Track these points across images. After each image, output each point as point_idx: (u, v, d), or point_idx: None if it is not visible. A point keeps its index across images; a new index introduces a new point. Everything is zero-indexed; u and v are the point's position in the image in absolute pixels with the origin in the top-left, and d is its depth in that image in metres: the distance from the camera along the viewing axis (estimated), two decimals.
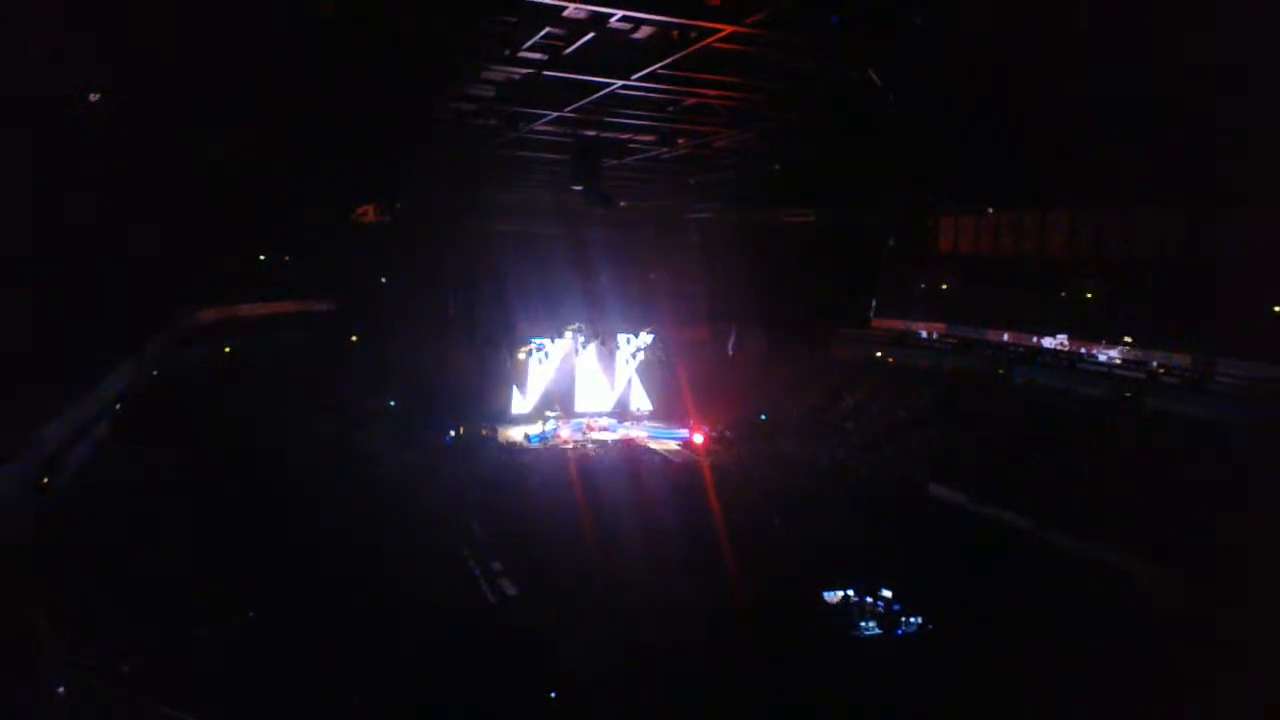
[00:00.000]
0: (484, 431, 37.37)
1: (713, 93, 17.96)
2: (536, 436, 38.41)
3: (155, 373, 29.93)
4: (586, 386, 44.04)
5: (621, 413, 43.66)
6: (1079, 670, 16.58)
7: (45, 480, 18.96)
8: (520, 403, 42.02)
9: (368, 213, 41.85)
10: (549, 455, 36.09)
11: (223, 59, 15.65)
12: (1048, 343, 34.62)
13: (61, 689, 11.92)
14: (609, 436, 39.82)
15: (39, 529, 17.80)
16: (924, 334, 40.46)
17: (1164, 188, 26.31)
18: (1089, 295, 34.48)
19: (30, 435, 18.85)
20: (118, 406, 25.61)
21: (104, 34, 14.05)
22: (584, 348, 43.40)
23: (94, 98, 16.76)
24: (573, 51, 14.91)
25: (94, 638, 14.62)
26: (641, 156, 25.81)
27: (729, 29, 13.29)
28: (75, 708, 11.71)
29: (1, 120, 16.06)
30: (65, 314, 22.75)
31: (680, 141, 23.40)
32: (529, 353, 41.99)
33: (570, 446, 37.81)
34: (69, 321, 22.72)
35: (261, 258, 40.42)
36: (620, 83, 16.75)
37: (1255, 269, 26.12)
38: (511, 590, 20.66)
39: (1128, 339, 31.54)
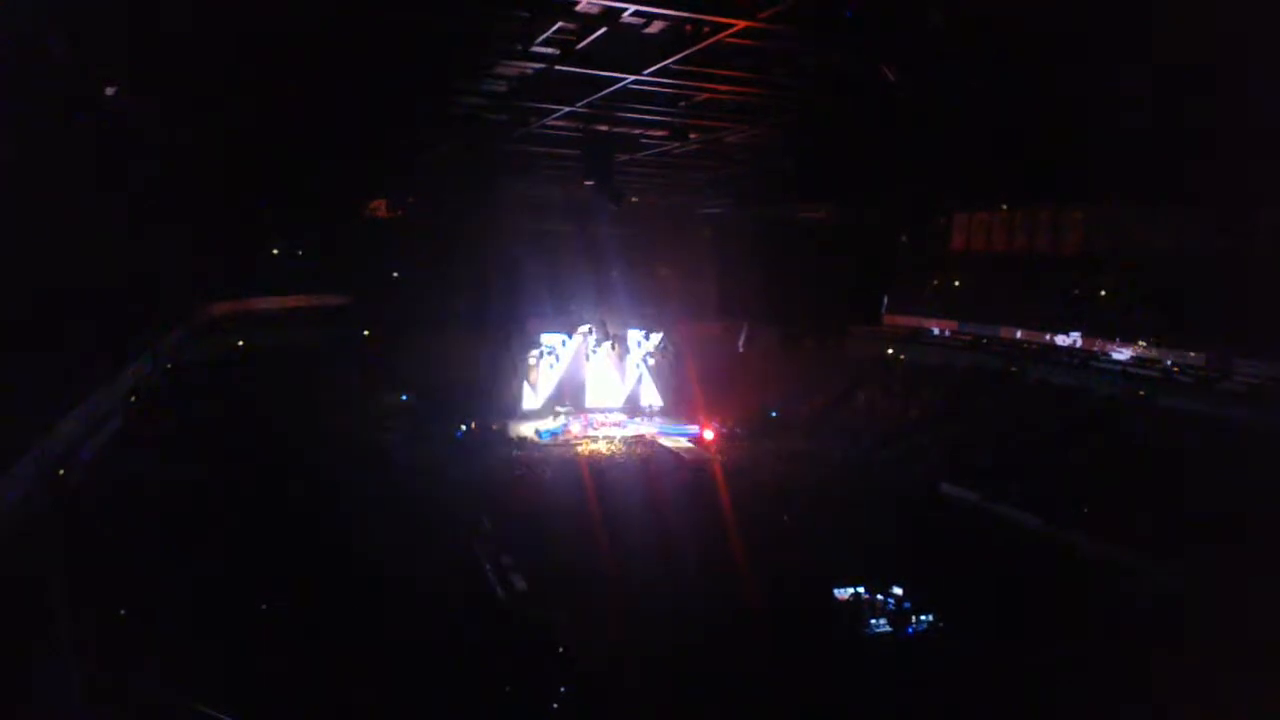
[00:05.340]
0: (494, 427, 37.47)
1: (725, 88, 17.89)
2: (547, 432, 38.47)
3: (169, 366, 30.14)
4: (597, 382, 43.99)
5: (632, 408, 43.61)
6: (1089, 669, 16.50)
7: (60, 473, 19.10)
8: (531, 398, 42.06)
9: (380, 207, 42.16)
10: (559, 451, 36.16)
11: (236, 53, 15.69)
12: (1061, 340, 34.39)
13: (75, 683, 12.01)
14: (619, 432, 39.82)
15: (53, 522, 17.92)
16: (936, 331, 40.27)
17: (1179, 186, 26.06)
18: (1102, 293, 34.24)
19: (46, 428, 18.99)
20: (132, 400, 25.79)
21: (115, 29, 14.10)
22: (595, 350, 43.30)
23: (110, 92, 16.78)
24: (585, 46, 14.89)
25: (106, 632, 14.73)
26: (653, 152, 25.77)
27: (742, 23, 13.21)
28: (88, 700, 11.79)
29: (14, 117, 16.11)
30: (80, 308, 22.89)
31: (692, 136, 23.33)
32: (539, 356, 42.00)
33: (580, 442, 37.85)
34: (84, 316, 22.85)
35: (275, 252, 40.67)
36: (632, 78, 16.73)
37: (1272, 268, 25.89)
38: (521, 585, 20.71)
39: (1142, 342, 31.29)
